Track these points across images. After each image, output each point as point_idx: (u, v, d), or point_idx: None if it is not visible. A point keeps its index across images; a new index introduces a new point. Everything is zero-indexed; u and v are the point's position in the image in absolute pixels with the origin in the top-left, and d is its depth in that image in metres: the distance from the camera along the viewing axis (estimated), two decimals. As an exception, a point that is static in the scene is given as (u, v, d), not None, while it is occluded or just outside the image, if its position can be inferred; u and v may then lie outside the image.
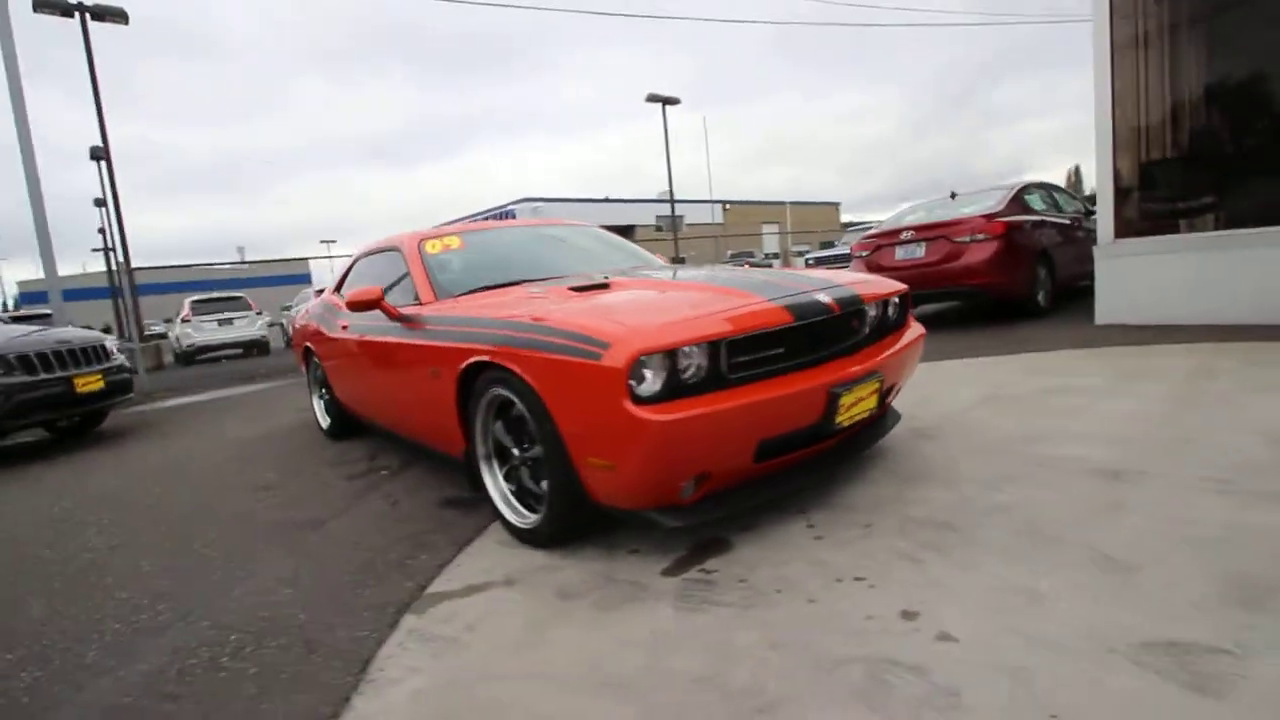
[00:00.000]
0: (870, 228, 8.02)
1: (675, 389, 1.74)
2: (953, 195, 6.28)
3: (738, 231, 35.77)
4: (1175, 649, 1.28)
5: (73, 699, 1.58)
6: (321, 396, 4.33)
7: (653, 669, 1.44)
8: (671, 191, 22.94)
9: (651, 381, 1.70)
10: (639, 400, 1.67)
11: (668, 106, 21.82)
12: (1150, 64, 4.69)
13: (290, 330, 13.73)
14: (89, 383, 4.73)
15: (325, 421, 4.27)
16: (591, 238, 3.61)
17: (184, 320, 12.43)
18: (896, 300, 2.45)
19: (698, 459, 1.77)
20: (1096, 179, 4.72)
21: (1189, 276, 4.44)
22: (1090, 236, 6.46)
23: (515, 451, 2.18)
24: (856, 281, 2.36)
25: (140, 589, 2.17)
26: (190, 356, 12.49)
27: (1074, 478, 2.15)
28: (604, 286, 2.36)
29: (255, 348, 13.33)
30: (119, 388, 5.09)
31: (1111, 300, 4.74)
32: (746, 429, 1.80)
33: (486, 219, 31.28)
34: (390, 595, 1.93)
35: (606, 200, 33.92)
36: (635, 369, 1.67)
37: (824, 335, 2.05)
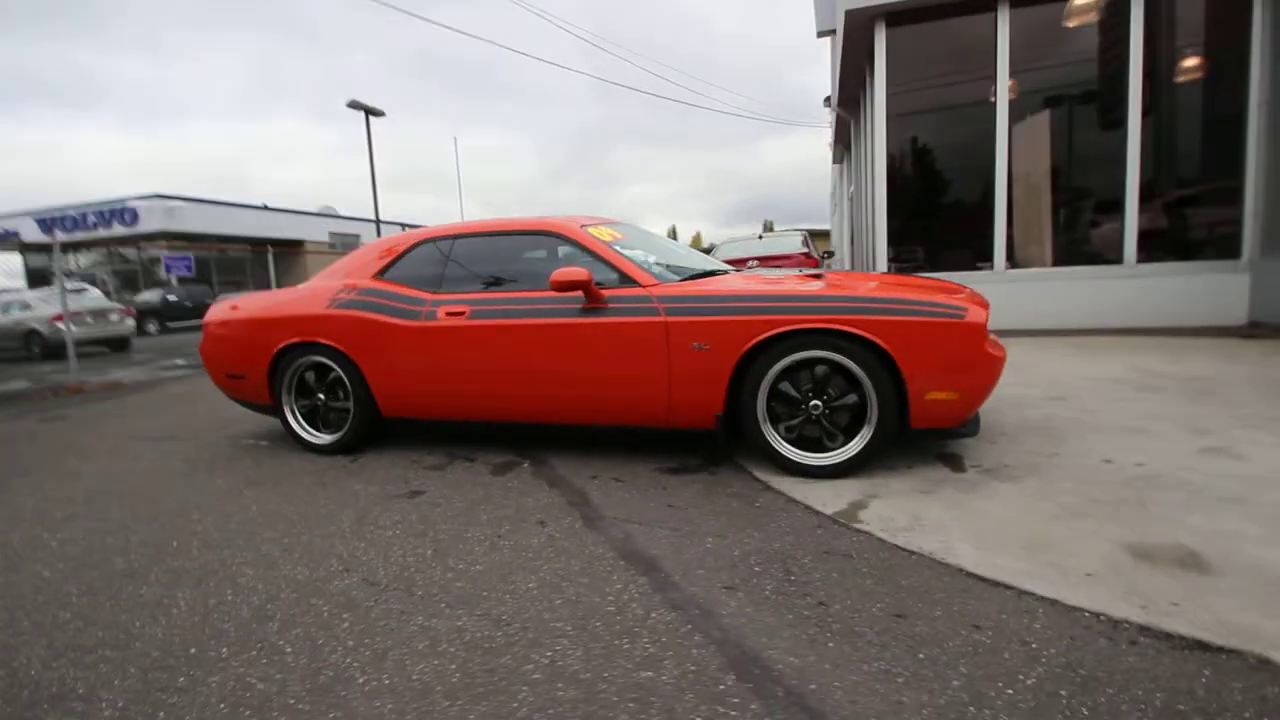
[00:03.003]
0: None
1: (979, 341, 2.60)
2: (760, 236, 8.17)
3: (419, 255, 34.61)
4: (1214, 450, 2.73)
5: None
6: (305, 407, 3.55)
7: (1066, 504, 2.27)
8: (376, 210, 21.31)
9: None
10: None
11: (371, 118, 20.38)
12: (895, 162, 7.17)
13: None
14: None
15: (319, 437, 3.52)
16: (670, 243, 4.00)
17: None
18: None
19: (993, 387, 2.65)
20: (876, 229, 6.99)
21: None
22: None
23: (818, 403, 2.66)
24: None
25: (541, 580, 1.94)
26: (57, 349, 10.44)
27: (1046, 404, 3.68)
28: (820, 277, 3.02)
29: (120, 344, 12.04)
30: None
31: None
32: (1000, 368, 2.77)
33: (94, 213, 23.63)
34: (805, 522, 2.27)
35: (265, 208, 29.10)
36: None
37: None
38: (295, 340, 3.44)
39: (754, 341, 2.65)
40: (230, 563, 2.19)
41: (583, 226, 3.15)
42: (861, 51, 7.63)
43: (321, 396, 3.51)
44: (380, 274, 3.42)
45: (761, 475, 2.77)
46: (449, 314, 3.14)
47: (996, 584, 1.80)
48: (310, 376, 3.52)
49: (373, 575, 2.03)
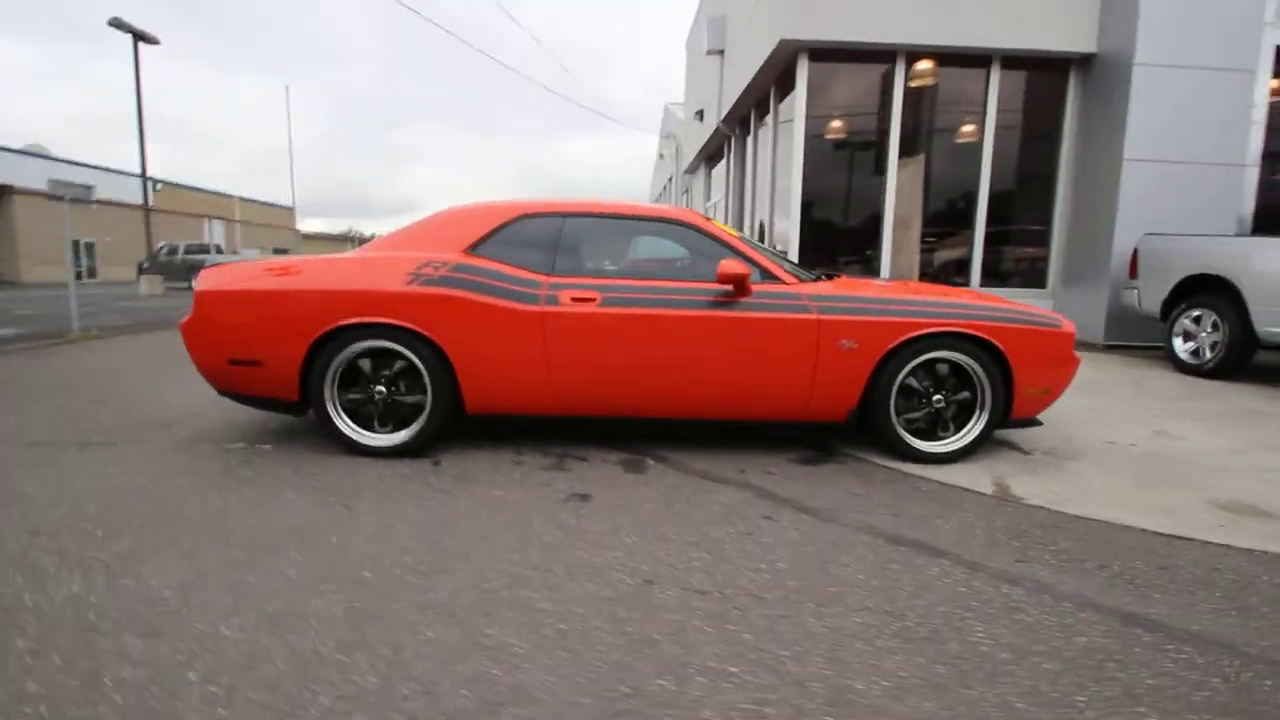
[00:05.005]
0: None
1: (1053, 346, 3.18)
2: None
3: (174, 214, 28.92)
4: (1163, 434, 3.68)
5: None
6: (350, 403, 2.95)
7: (1134, 475, 2.92)
8: (143, 155, 17.13)
9: (1068, 340, 3.12)
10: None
11: (142, 44, 16.33)
12: (808, 182, 7.98)
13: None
14: None
15: (378, 439, 2.96)
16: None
17: None
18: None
19: (1065, 384, 3.25)
20: (790, 239, 7.71)
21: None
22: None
23: (940, 397, 3.01)
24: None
25: (863, 571, 1.97)
26: None
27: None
28: (919, 286, 3.41)
29: None
30: None
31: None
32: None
33: None
34: (986, 502, 2.59)
35: (-59, 135, 21.62)
36: (1071, 333, 3.06)
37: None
38: (355, 320, 2.84)
39: (898, 341, 2.92)
40: (485, 588, 1.82)
41: (708, 219, 3.12)
42: (772, 78, 8.34)
43: (382, 389, 2.94)
44: (472, 249, 2.98)
45: (881, 462, 3.06)
46: (575, 299, 2.88)
47: (1180, 538, 2.29)
48: (365, 364, 2.93)
49: (686, 583, 1.87)
